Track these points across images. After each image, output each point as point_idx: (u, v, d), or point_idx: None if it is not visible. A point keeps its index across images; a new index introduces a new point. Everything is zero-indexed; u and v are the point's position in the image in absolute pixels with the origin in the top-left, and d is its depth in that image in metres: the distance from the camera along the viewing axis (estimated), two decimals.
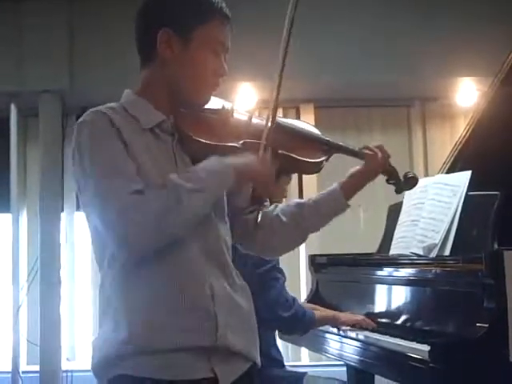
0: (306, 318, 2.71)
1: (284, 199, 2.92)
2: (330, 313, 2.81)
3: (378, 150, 1.83)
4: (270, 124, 1.69)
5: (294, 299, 2.73)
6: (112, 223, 1.50)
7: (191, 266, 1.58)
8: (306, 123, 1.90)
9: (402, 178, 1.87)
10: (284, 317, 2.65)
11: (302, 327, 2.75)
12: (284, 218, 1.76)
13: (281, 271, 2.73)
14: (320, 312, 2.80)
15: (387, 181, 1.87)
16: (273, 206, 1.79)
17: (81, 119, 1.60)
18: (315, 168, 1.80)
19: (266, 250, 1.81)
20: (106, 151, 1.55)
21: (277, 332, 2.98)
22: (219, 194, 1.62)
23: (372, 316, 2.69)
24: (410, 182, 1.88)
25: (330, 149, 1.82)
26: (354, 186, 1.79)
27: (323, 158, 1.80)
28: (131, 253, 1.53)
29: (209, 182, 1.55)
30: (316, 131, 1.86)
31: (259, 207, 1.73)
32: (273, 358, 2.77)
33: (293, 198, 5.33)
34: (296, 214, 1.77)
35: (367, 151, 1.82)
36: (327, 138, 1.83)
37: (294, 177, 5.34)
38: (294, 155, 1.75)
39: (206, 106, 1.72)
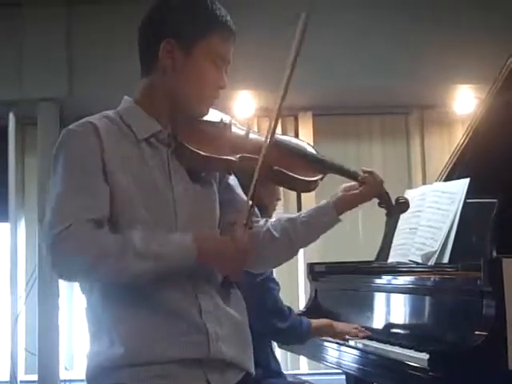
0: (302, 327, 2.67)
1: (278, 202, 2.90)
2: (326, 321, 2.76)
3: (373, 174, 1.80)
4: (268, 140, 1.65)
5: (290, 309, 2.70)
6: (52, 237, 1.48)
7: (177, 282, 1.57)
8: (303, 142, 1.89)
9: (393, 202, 1.85)
10: (281, 328, 2.62)
11: (299, 337, 2.72)
12: (276, 233, 1.75)
13: (275, 282, 2.68)
14: (316, 321, 2.75)
15: (379, 204, 1.84)
16: (263, 221, 1.78)
17: (70, 127, 1.60)
18: (309, 186, 1.79)
19: (256, 263, 1.76)
20: (81, 167, 1.55)
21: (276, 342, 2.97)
22: (173, 267, 1.54)
23: (370, 324, 2.69)
24: (402, 206, 1.86)
25: (324, 168, 1.81)
26: (346, 205, 1.78)
27: (318, 177, 1.79)
28: (56, 274, 1.53)
29: (165, 254, 1.52)
30: (312, 150, 1.85)
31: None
32: (272, 370, 2.73)
33: (291, 213, 5.34)
34: (288, 229, 1.75)
35: (366, 175, 1.80)
36: (323, 158, 1.82)
37: (293, 193, 5.35)
38: (289, 172, 1.74)
39: (205, 119, 1.71)
